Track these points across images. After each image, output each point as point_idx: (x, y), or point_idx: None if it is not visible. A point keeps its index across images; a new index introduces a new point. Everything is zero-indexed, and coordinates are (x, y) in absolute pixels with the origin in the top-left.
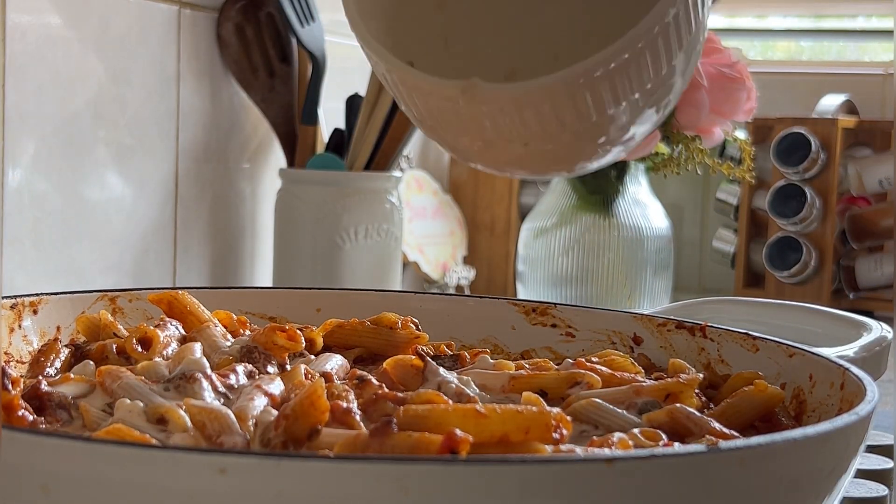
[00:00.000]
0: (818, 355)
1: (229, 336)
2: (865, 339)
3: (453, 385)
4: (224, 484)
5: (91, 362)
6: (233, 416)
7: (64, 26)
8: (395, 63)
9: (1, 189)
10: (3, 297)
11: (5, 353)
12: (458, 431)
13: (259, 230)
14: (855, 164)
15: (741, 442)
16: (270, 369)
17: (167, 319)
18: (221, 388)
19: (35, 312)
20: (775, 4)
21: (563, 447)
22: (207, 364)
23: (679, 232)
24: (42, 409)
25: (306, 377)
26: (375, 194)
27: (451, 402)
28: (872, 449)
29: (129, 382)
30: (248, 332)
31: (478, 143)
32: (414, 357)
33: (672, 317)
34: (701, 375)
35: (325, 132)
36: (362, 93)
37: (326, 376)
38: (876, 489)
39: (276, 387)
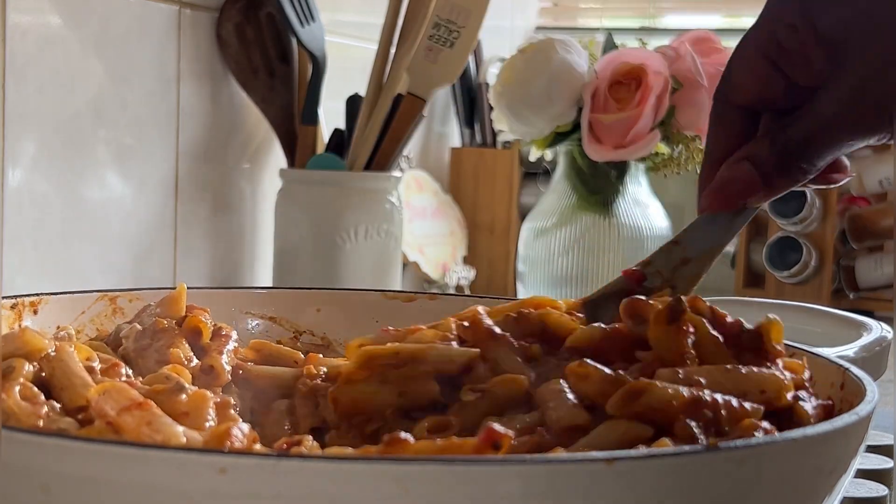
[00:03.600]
0: (818, 355)
1: None
2: (865, 339)
3: None
4: (224, 484)
5: None
6: None
7: (64, 26)
8: None
9: (1, 189)
10: (3, 297)
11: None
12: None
13: (259, 230)
14: (855, 164)
15: (741, 442)
16: None
17: None
18: None
19: (35, 312)
20: None
21: None
22: None
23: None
24: None
25: None
26: (375, 194)
27: None
28: (872, 449)
29: None
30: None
31: None
32: None
33: None
34: None
35: (325, 132)
36: (362, 93)
37: None
38: (876, 489)
39: None
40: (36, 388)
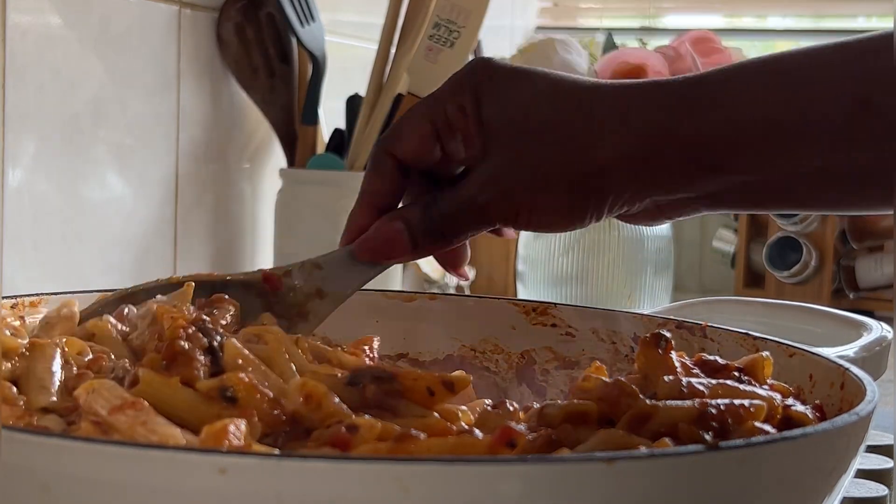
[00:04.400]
0: (818, 355)
1: None
2: (865, 339)
3: None
4: (224, 484)
5: None
6: None
7: (64, 26)
8: None
9: (1, 189)
10: (3, 297)
11: None
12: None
13: (259, 230)
14: None
15: (741, 442)
16: None
17: None
18: None
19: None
20: (775, 4)
21: None
22: None
23: (679, 232)
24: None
25: None
26: None
27: None
28: (872, 449)
29: None
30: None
31: None
32: None
33: (672, 317)
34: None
35: (325, 132)
36: (362, 93)
37: None
38: (876, 489)
39: None
40: (15, 390)
